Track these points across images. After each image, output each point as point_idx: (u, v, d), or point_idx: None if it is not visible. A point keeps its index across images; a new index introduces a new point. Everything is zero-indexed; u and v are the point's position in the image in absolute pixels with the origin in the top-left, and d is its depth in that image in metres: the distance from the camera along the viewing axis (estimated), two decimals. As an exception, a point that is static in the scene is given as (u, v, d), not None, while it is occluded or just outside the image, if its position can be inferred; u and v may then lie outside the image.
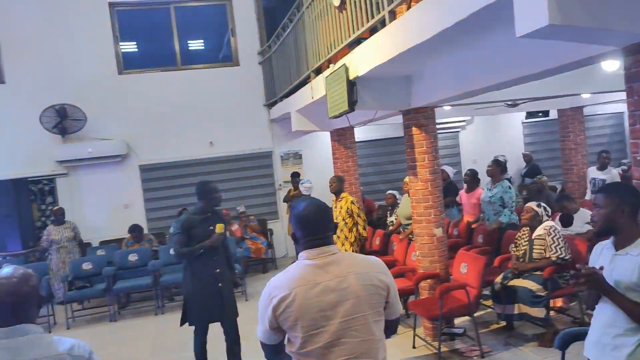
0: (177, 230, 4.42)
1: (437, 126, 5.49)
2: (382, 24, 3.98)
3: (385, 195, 8.05)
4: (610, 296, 2.25)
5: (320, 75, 5.65)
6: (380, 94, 4.86)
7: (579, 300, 5.10)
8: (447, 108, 7.71)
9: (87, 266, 7.35)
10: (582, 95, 7.79)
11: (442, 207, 5.41)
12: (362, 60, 4.42)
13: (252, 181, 9.91)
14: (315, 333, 1.89)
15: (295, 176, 9.27)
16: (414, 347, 5.10)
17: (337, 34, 5.11)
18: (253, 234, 8.99)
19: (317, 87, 5.82)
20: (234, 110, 9.68)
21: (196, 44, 10.48)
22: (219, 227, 4.47)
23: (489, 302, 5.54)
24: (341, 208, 6.31)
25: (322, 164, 9.39)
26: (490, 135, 11.07)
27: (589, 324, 2.48)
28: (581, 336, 2.58)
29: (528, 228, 5.07)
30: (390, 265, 5.80)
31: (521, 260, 5.01)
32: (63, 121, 8.72)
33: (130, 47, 9.85)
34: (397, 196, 7.70)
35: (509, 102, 7.47)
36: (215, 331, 4.58)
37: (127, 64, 9.53)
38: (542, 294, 4.70)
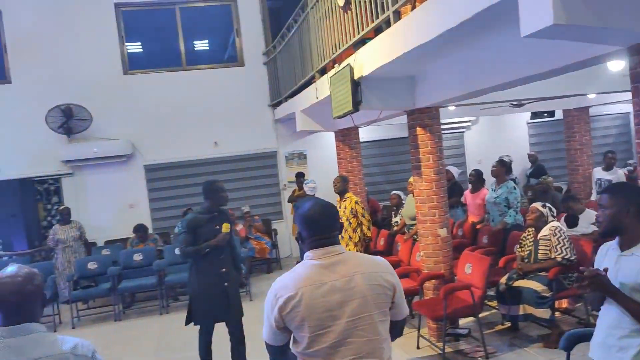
0: (183, 229, 4.43)
1: (442, 126, 5.48)
2: (387, 24, 3.97)
3: (389, 195, 8.05)
4: (614, 297, 2.24)
5: (325, 76, 5.65)
6: (385, 94, 4.86)
7: (585, 301, 5.08)
8: (452, 108, 7.70)
9: (92, 266, 7.37)
10: (587, 95, 7.76)
11: (447, 208, 5.40)
12: (366, 60, 4.42)
13: (257, 181, 9.92)
14: (322, 333, 1.89)
15: (300, 176, 9.27)
16: (418, 347, 5.09)
17: (341, 34, 5.11)
18: (257, 234, 9.00)
19: (322, 87, 5.82)
20: (239, 110, 9.69)
21: (201, 45, 10.50)
22: (225, 227, 4.47)
23: (494, 303, 5.52)
24: (345, 208, 6.31)
25: (327, 164, 9.39)
26: (495, 135, 11.03)
27: (594, 325, 2.46)
28: (586, 337, 2.57)
29: (533, 229, 5.06)
30: (394, 265, 5.76)
31: (526, 260, 5.00)
32: (69, 121, 8.76)
33: (135, 47, 9.88)
34: (402, 196, 7.68)
35: (514, 103, 7.45)
36: (220, 331, 4.58)
37: (132, 64, 9.56)
38: (547, 294, 4.68)
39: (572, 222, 5.93)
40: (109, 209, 9.20)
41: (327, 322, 1.89)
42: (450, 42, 3.39)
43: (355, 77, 4.59)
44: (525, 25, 2.25)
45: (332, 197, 5.86)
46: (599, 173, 7.70)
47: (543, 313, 4.68)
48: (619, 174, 7.49)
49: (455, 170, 8.10)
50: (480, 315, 4.89)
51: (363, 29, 4.51)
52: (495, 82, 3.85)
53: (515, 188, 6.39)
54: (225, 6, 9.92)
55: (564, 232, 4.87)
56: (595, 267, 2.44)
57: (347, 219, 6.25)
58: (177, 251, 7.47)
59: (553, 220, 5.00)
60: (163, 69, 9.69)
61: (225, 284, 4.46)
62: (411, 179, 5.91)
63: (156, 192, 9.57)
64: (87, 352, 1.82)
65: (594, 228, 5.61)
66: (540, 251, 4.89)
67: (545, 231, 4.91)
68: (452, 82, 4.35)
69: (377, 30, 4.25)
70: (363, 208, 6.46)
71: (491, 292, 5.47)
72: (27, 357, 1.69)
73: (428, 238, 5.30)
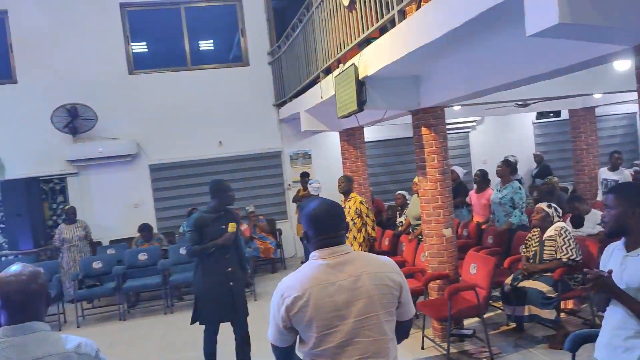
0: (190, 228, 4.43)
1: (447, 126, 5.47)
2: (392, 23, 3.97)
3: (394, 195, 8.04)
4: (619, 299, 2.23)
5: (330, 75, 5.65)
6: (390, 93, 4.85)
7: (590, 302, 5.05)
8: (457, 108, 7.67)
9: (97, 265, 7.40)
10: (593, 95, 7.73)
11: (452, 208, 5.38)
12: (371, 60, 4.41)
13: (261, 181, 9.92)
14: (329, 332, 1.88)
15: (305, 176, 9.27)
16: (422, 348, 5.08)
17: (346, 33, 5.10)
18: (262, 234, 9.01)
19: (327, 87, 5.82)
20: (244, 110, 9.70)
21: (206, 44, 10.52)
22: (231, 226, 4.46)
23: (499, 304, 5.50)
24: (350, 208, 6.30)
25: (332, 164, 9.38)
26: (500, 135, 11.00)
27: (599, 326, 2.45)
28: (592, 338, 2.56)
29: (539, 229, 5.03)
30: (399, 265, 5.76)
31: (531, 261, 4.98)
32: (74, 121, 8.79)
33: (140, 47, 9.90)
34: (407, 196, 7.67)
35: (520, 102, 7.43)
36: (225, 331, 4.58)
37: (137, 64, 9.59)
38: (553, 295, 4.66)
39: (577, 222, 5.90)
40: (114, 208, 9.22)
41: (335, 322, 1.88)
42: (455, 41, 3.38)
43: (360, 77, 4.58)
44: (531, 25, 2.24)
45: (337, 197, 5.85)
46: (604, 173, 7.67)
47: (548, 314, 4.66)
48: (625, 175, 7.45)
49: (460, 170, 8.08)
50: (485, 316, 4.87)
51: (368, 29, 4.50)
52: (500, 82, 3.83)
53: (520, 188, 6.37)
54: (230, 6, 9.93)
55: (569, 233, 4.85)
56: (601, 267, 2.43)
57: (352, 219, 6.24)
58: (182, 251, 7.52)
59: (559, 221, 4.98)
60: (168, 69, 9.72)
61: (231, 283, 4.46)
62: (416, 179, 5.90)
63: (161, 191, 9.59)
64: (90, 351, 1.82)
65: (600, 228, 5.59)
66: (545, 252, 4.86)
67: (550, 231, 4.89)
68: (457, 82, 4.34)
69: (382, 30, 4.25)
70: (367, 208, 6.46)
71: (496, 293, 5.46)
72: (30, 356, 1.69)
73: (433, 238, 5.28)
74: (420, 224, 5.68)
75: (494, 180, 6.92)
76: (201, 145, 9.57)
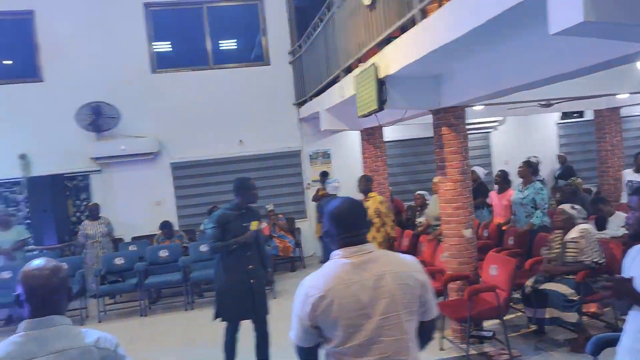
0: (213, 225, 4.47)
1: (468, 126, 5.43)
2: (413, 22, 3.95)
3: (414, 195, 8.00)
4: None
5: (350, 75, 5.64)
6: (410, 93, 4.83)
7: (612, 305, 4.96)
8: (478, 108, 7.61)
9: (119, 261, 7.50)
10: (618, 95, 7.59)
11: (472, 208, 5.34)
12: (392, 59, 4.40)
13: (281, 180, 9.96)
14: (354, 331, 1.89)
15: (324, 175, 9.28)
16: (441, 349, 5.05)
17: (367, 33, 5.09)
18: (281, 233, 9.04)
19: (347, 86, 5.82)
20: (264, 109, 9.75)
21: (228, 44, 10.59)
22: (254, 224, 4.49)
23: (520, 306, 5.44)
24: (369, 208, 6.29)
25: (351, 164, 9.38)
26: (522, 136, 10.87)
27: (622, 330, 2.41)
28: (614, 342, 2.52)
29: (561, 231, 4.97)
30: (418, 266, 5.74)
31: (553, 263, 4.91)
32: (98, 119, 8.93)
33: (163, 46, 10.01)
34: (426, 197, 7.63)
35: (543, 102, 7.33)
36: (245, 328, 4.61)
37: (160, 63, 9.70)
38: (575, 298, 4.59)
39: (601, 224, 5.81)
40: (136, 205, 9.34)
41: (359, 321, 1.89)
42: (477, 40, 3.35)
43: (381, 76, 4.57)
44: (554, 23, 2.21)
45: (356, 197, 5.84)
46: (629, 175, 7.54)
47: (570, 317, 4.59)
48: (650, 176, 7.30)
49: (481, 171, 8.01)
50: (505, 318, 4.82)
51: (388, 28, 4.49)
52: (523, 82, 3.79)
53: (542, 189, 6.29)
54: (252, 5, 9.98)
55: (593, 235, 4.78)
56: (624, 270, 2.39)
57: (371, 219, 6.23)
58: (202, 248, 7.59)
59: (582, 223, 4.90)
60: (190, 68, 9.81)
61: (252, 281, 4.48)
62: (436, 179, 5.87)
63: (182, 189, 9.69)
64: (109, 346, 1.84)
65: (624, 231, 5.49)
66: (568, 254, 4.79)
67: (573, 233, 4.82)
68: (479, 81, 4.30)
69: (403, 29, 4.23)
70: (387, 208, 6.44)
71: (517, 295, 5.40)
72: (51, 349, 1.72)
73: (453, 239, 5.25)
74: (440, 225, 5.65)
75: (516, 181, 6.85)
76: (222, 144, 9.64)
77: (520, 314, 5.54)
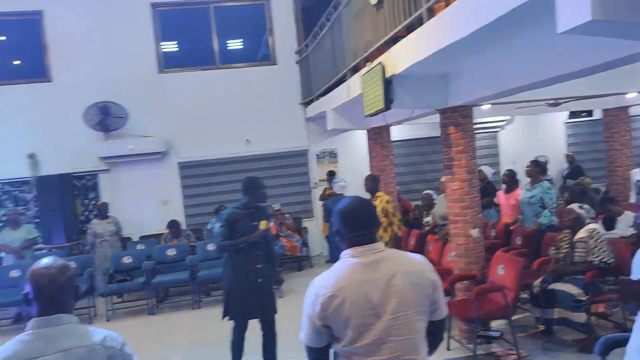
0: (222, 223, 4.48)
1: (476, 126, 5.41)
2: (420, 21, 3.94)
3: (421, 195, 7.98)
4: None
5: (357, 74, 5.64)
6: (417, 92, 4.82)
7: (621, 305, 4.93)
8: (485, 107, 7.58)
9: (127, 260, 7.54)
10: (627, 94, 7.54)
11: (479, 208, 5.32)
12: (399, 58, 4.39)
13: (288, 179, 9.97)
14: (364, 330, 1.88)
15: (331, 175, 9.28)
16: (448, 349, 5.03)
17: (373, 32, 5.09)
18: (288, 232, 9.05)
19: (354, 86, 5.82)
20: (271, 108, 9.76)
21: (235, 44, 10.61)
22: (263, 224, 4.49)
23: (528, 306, 5.42)
24: (376, 207, 6.28)
25: (358, 163, 9.38)
26: (530, 135, 10.82)
27: (630, 330, 2.39)
28: (623, 342, 2.50)
29: (570, 230, 4.94)
30: (425, 265, 5.72)
31: (562, 263, 4.89)
32: (105, 118, 8.98)
33: (170, 46, 10.04)
34: (434, 196, 7.61)
35: (551, 102, 7.29)
36: (252, 327, 4.61)
37: (167, 63, 9.73)
38: (583, 298, 4.57)
39: (609, 224, 5.77)
40: (144, 204, 9.38)
41: (370, 320, 1.89)
42: (485, 39, 3.34)
43: (387, 75, 4.57)
44: (562, 22, 2.20)
45: (363, 196, 5.84)
46: (638, 174, 7.50)
47: (578, 317, 4.56)
48: (659, 176, 7.26)
49: (488, 170, 7.98)
50: (512, 318, 4.80)
51: (395, 27, 4.48)
52: (531, 81, 3.77)
53: (550, 188, 6.26)
54: (259, 5, 10.00)
55: (601, 235, 4.75)
56: (633, 270, 2.37)
57: (378, 218, 6.21)
58: (210, 247, 7.61)
59: (590, 222, 4.88)
60: (197, 68, 9.84)
61: (260, 280, 4.49)
62: (443, 179, 5.85)
63: (189, 188, 9.72)
64: (116, 345, 1.85)
65: (633, 231, 5.45)
66: (576, 254, 4.77)
67: (582, 233, 4.79)
68: (486, 80, 4.29)
69: (410, 29, 4.22)
70: (394, 207, 6.42)
71: (524, 295, 5.38)
72: (58, 347, 1.74)
73: (460, 238, 5.23)
74: (447, 224, 5.63)
75: (523, 180, 6.82)
76: (229, 144, 9.66)
77: (528, 314, 5.52)
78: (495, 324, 5.27)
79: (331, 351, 2.03)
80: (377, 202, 6.31)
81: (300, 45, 9.72)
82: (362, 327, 1.88)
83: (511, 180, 6.91)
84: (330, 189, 8.95)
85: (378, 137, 7.76)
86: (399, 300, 1.91)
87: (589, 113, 9.89)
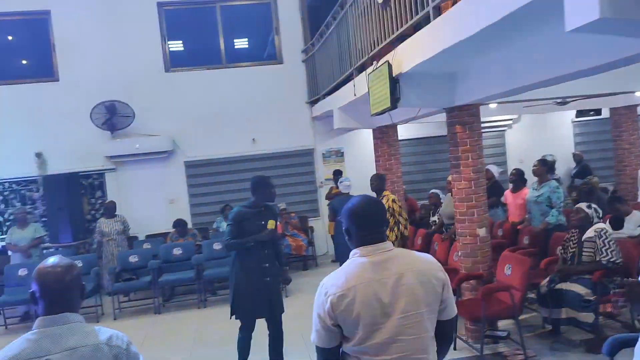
0: (229, 222, 4.47)
1: (483, 125, 5.39)
2: (427, 19, 3.93)
3: (428, 194, 7.96)
4: None
5: (363, 73, 5.63)
6: (424, 91, 4.80)
7: (629, 305, 4.90)
8: (492, 106, 7.55)
9: (133, 259, 7.56)
10: (636, 93, 7.49)
11: (486, 207, 5.30)
12: (405, 57, 4.38)
13: (294, 178, 9.97)
14: (374, 330, 1.88)
15: (337, 174, 9.27)
16: (455, 348, 5.02)
17: (380, 31, 5.07)
18: (294, 231, 9.05)
19: (360, 85, 5.80)
20: (277, 107, 9.77)
21: (241, 43, 10.62)
22: (271, 223, 4.48)
23: (535, 306, 5.40)
24: (385, 206, 6.26)
25: (364, 162, 9.35)
26: (538, 134, 10.76)
27: (639, 330, 2.37)
28: (631, 342, 2.48)
29: (577, 230, 4.91)
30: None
31: (569, 263, 4.86)
32: (112, 118, 9.01)
33: (177, 45, 10.06)
34: (440, 195, 7.59)
35: (559, 100, 7.25)
36: (258, 326, 4.61)
37: (174, 62, 9.75)
38: (591, 298, 4.54)
39: (618, 223, 5.73)
40: (150, 203, 9.41)
41: (380, 319, 1.88)
42: (492, 37, 3.33)
43: (394, 74, 4.55)
44: (570, 20, 2.18)
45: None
46: (647, 173, 7.43)
47: (586, 317, 4.54)
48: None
49: (495, 169, 7.94)
50: (520, 318, 4.78)
51: (402, 26, 4.46)
52: (538, 79, 3.75)
53: (558, 187, 6.23)
54: (265, 4, 10.00)
55: (609, 234, 4.72)
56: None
57: (384, 217, 6.19)
58: (215, 246, 7.63)
59: (598, 222, 4.85)
60: (203, 67, 9.85)
61: (267, 279, 4.48)
62: (450, 178, 5.83)
63: (196, 188, 9.74)
64: (121, 344, 1.85)
65: (641, 230, 5.42)
66: (584, 253, 4.74)
67: (590, 233, 4.77)
68: (493, 79, 4.27)
69: (416, 27, 4.21)
70: (400, 207, 6.41)
71: (532, 295, 5.35)
72: (63, 346, 1.74)
73: (466, 237, 5.21)
74: (454, 223, 5.61)
75: (531, 179, 6.79)
76: (235, 143, 9.67)
77: (535, 314, 5.50)
78: (502, 323, 5.25)
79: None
80: (383, 202, 6.30)
81: (307, 44, 9.72)
82: (372, 327, 1.87)
83: (518, 180, 6.87)
84: (337, 188, 8.94)
85: (384, 136, 7.74)
86: (408, 300, 1.90)
87: (597, 112, 9.82)
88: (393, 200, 6.31)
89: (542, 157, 7.47)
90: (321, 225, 9.92)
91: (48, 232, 8.48)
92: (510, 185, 7.05)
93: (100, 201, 9.35)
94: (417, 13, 4.14)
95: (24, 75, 9.57)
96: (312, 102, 9.65)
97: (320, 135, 10.01)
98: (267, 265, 4.49)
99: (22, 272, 7.10)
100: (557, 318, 4.78)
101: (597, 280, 4.53)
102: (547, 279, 4.87)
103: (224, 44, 9.95)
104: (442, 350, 2.09)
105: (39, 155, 9.07)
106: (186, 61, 9.95)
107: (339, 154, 10.15)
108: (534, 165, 6.48)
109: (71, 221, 8.48)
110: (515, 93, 4.44)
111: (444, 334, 2.08)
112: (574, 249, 4.87)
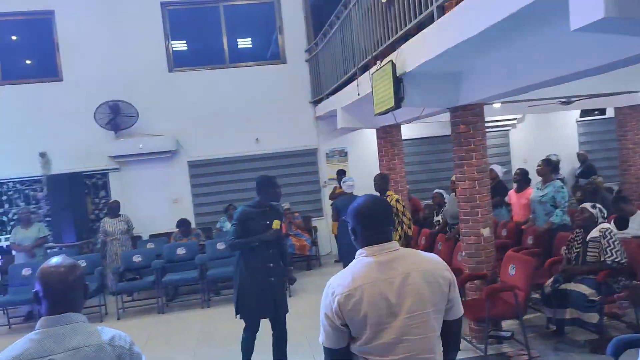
0: (234, 221, 4.46)
1: (487, 124, 5.38)
2: (431, 19, 3.92)
3: (431, 194, 7.94)
4: None
5: (367, 72, 5.62)
6: (428, 90, 4.79)
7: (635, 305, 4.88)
8: (496, 105, 7.53)
9: (137, 259, 7.57)
10: (641, 92, 7.46)
11: (490, 207, 5.28)
12: (409, 57, 4.37)
13: (297, 178, 9.96)
14: (381, 330, 1.87)
15: (341, 174, 9.26)
16: (459, 349, 4.99)
17: (384, 30, 5.06)
18: (297, 231, 9.04)
19: (364, 84, 5.80)
20: (281, 107, 9.77)
21: (244, 42, 10.62)
22: (276, 223, 4.47)
23: (539, 306, 5.38)
24: (391, 206, 6.24)
25: (368, 162, 9.34)
26: (542, 134, 10.73)
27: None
28: (636, 343, 2.48)
29: (582, 230, 4.89)
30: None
31: (574, 263, 4.84)
32: (116, 117, 9.02)
33: (180, 45, 10.07)
34: (444, 195, 7.58)
35: (563, 100, 7.23)
36: (261, 325, 4.59)
37: (177, 62, 9.76)
38: (596, 298, 4.52)
39: (622, 224, 5.71)
40: (154, 203, 9.42)
41: (387, 319, 1.88)
42: (497, 37, 3.32)
43: (398, 74, 4.54)
44: (575, 19, 2.17)
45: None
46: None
47: (591, 317, 4.52)
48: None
49: (499, 169, 7.92)
50: (524, 318, 4.77)
51: (406, 25, 4.45)
52: (543, 79, 3.73)
53: (562, 187, 6.21)
54: (268, 4, 10.00)
55: (614, 234, 4.70)
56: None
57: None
58: (219, 246, 7.63)
59: (603, 222, 4.83)
60: (207, 67, 9.85)
61: (272, 279, 4.47)
62: (454, 177, 5.82)
63: (199, 187, 9.75)
64: (124, 344, 1.86)
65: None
66: (589, 253, 4.72)
67: (594, 233, 4.75)
68: (498, 79, 4.25)
69: (420, 27, 4.20)
70: (404, 206, 6.40)
71: (536, 295, 5.33)
72: (66, 346, 1.74)
73: (470, 237, 5.20)
74: (458, 223, 5.60)
75: (535, 179, 6.76)
76: (239, 142, 9.67)
77: (539, 314, 5.48)
78: (506, 324, 5.23)
79: None
80: (386, 201, 6.28)
81: (310, 43, 9.71)
82: (379, 326, 1.87)
83: (522, 179, 6.85)
84: (340, 188, 8.94)
85: (388, 135, 7.73)
86: (414, 300, 1.89)
87: (602, 111, 9.79)
88: (397, 200, 6.29)
89: (546, 156, 7.44)
90: (325, 225, 9.91)
91: (52, 232, 8.50)
92: (515, 185, 7.02)
93: (104, 201, 9.37)
94: (421, 12, 4.13)
95: (28, 75, 9.61)
96: (316, 102, 9.64)
97: (324, 135, 10.01)
98: (271, 265, 4.48)
99: (25, 271, 7.12)
100: (561, 318, 4.76)
101: (601, 280, 4.52)
102: (552, 279, 4.85)
103: (227, 43, 9.95)
104: (452, 349, 2.08)
105: (42, 155, 9.09)
106: (189, 61, 9.97)
107: (343, 153, 10.14)
108: (538, 165, 6.46)
109: (75, 221, 8.49)
110: (519, 93, 4.43)
111: (452, 335, 2.06)
112: (578, 249, 4.85)
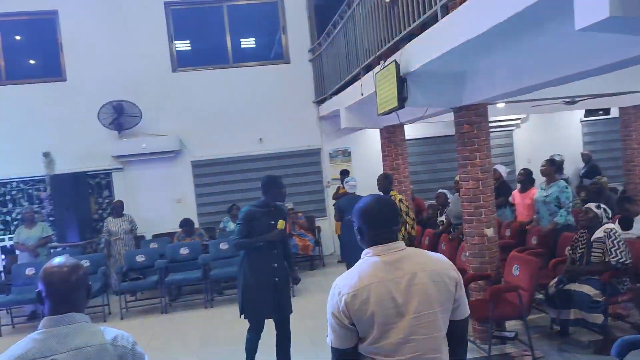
0: (239, 221, 4.46)
1: (490, 124, 5.36)
2: (435, 18, 3.91)
3: (435, 194, 7.93)
4: None
5: (371, 72, 5.61)
6: (431, 90, 4.78)
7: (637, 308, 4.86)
8: (500, 105, 7.51)
9: (140, 258, 7.58)
10: (645, 92, 7.42)
11: (494, 207, 5.27)
12: (413, 56, 4.36)
13: (301, 178, 9.96)
14: (388, 329, 1.87)
15: (344, 174, 9.25)
16: (466, 350, 4.98)
17: (387, 30, 5.05)
18: (301, 231, 9.04)
19: (367, 84, 5.79)
20: (284, 107, 9.76)
21: (248, 42, 10.62)
22: (281, 224, 4.47)
23: (543, 306, 5.36)
24: (396, 206, 6.23)
25: (371, 162, 9.33)
26: (546, 134, 10.70)
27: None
28: (641, 344, 2.46)
29: (586, 230, 4.87)
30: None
31: (578, 263, 4.82)
32: (119, 117, 9.03)
33: (184, 45, 10.08)
34: (448, 195, 7.56)
35: (567, 100, 7.20)
36: (265, 326, 4.59)
37: (181, 61, 9.77)
38: (600, 299, 4.50)
39: (626, 224, 5.69)
40: (157, 203, 9.43)
41: (394, 319, 1.87)
42: (501, 36, 3.31)
43: (401, 74, 4.53)
44: (580, 18, 2.16)
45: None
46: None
47: (595, 318, 4.50)
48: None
49: (503, 169, 7.89)
50: (528, 319, 4.75)
51: (409, 25, 4.44)
52: (547, 78, 3.72)
53: (567, 187, 6.19)
54: (272, 4, 10.00)
55: (618, 235, 4.68)
56: None
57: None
58: (222, 246, 7.64)
59: (607, 222, 4.81)
60: (210, 67, 9.86)
61: (276, 279, 4.47)
62: (457, 177, 5.80)
63: (202, 187, 9.75)
64: (126, 344, 1.85)
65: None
66: (593, 254, 4.71)
67: (599, 233, 4.73)
68: (502, 78, 4.24)
69: (424, 26, 4.19)
70: (407, 206, 6.39)
71: (539, 295, 5.32)
72: (69, 346, 1.74)
73: (474, 238, 5.19)
74: (462, 223, 5.59)
75: (539, 179, 6.74)
76: (242, 142, 9.67)
77: (543, 314, 5.47)
78: (510, 324, 5.22)
79: None
80: (390, 201, 6.27)
81: (314, 43, 9.71)
82: (386, 326, 1.87)
83: (526, 179, 6.83)
84: (344, 188, 8.93)
85: (392, 135, 7.72)
86: (421, 299, 1.89)
87: (606, 111, 9.75)
88: (400, 200, 6.29)
89: (550, 156, 7.42)
90: (328, 225, 9.91)
91: (55, 232, 8.51)
92: (518, 185, 7.01)
93: (107, 201, 9.39)
94: (424, 12, 4.12)
95: (32, 75, 9.63)
96: (319, 102, 9.63)
97: (327, 134, 10.00)
98: (275, 265, 4.48)
99: (29, 271, 7.14)
100: (565, 319, 4.75)
101: (606, 281, 4.50)
102: (556, 279, 4.83)
103: (231, 43, 9.96)
104: (460, 350, 2.06)
105: (46, 154, 9.11)
106: (193, 61, 9.97)
107: (346, 153, 10.14)
108: (542, 165, 6.44)
109: (78, 220, 8.51)
110: (523, 93, 4.41)
111: (458, 335, 2.04)
112: (582, 250, 4.84)
